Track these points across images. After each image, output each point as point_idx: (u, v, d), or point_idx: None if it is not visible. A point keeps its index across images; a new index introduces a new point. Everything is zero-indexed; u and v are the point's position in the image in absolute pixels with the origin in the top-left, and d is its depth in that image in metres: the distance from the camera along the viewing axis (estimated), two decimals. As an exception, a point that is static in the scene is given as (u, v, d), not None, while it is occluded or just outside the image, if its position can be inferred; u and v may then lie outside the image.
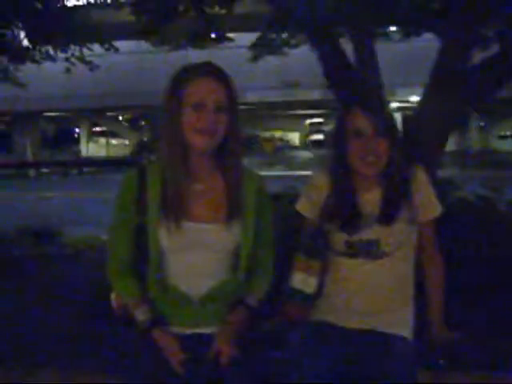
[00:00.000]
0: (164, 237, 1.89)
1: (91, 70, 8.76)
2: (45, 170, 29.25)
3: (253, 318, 2.01)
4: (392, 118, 2.13)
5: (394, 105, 26.60)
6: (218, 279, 1.95)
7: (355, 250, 2.13)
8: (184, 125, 1.85)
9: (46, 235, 7.31)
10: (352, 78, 4.36)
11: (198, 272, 1.94)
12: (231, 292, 1.98)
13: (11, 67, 9.00)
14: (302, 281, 2.05)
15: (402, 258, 2.16)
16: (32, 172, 28.82)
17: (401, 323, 2.17)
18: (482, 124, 35.96)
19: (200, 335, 1.95)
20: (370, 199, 2.14)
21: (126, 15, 7.60)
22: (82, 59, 8.48)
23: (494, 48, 5.47)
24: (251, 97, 26.97)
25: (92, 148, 39.46)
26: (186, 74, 1.87)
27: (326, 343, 2.12)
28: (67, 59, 8.37)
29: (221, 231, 1.92)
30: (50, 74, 15.49)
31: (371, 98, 2.30)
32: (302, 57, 8.03)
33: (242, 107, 31.04)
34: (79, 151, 38.89)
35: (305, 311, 2.12)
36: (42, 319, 4.12)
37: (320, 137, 41.16)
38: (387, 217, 2.10)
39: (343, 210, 2.13)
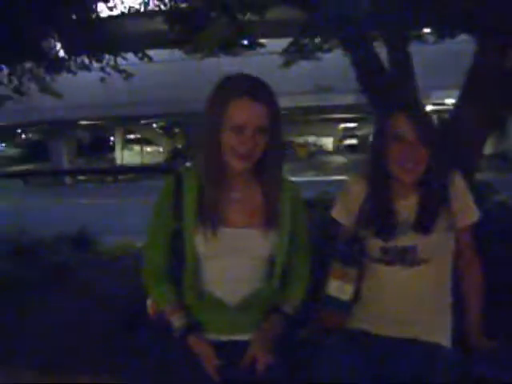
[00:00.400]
0: (200, 243, 1.89)
1: (125, 78, 8.82)
2: (81, 178, 29.71)
3: (289, 325, 2.00)
4: (432, 124, 2.10)
5: (428, 108, 26.31)
6: (253, 286, 1.95)
7: (391, 257, 2.10)
8: (223, 146, 1.85)
9: (83, 242, 7.41)
10: (386, 82, 4.31)
11: (233, 278, 1.94)
12: (266, 299, 1.98)
13: (48, 78, 9.11)
14: (338, 288, 2.04)
15: (440, 265, 2.13)
16: (68, 180, 29.30)
17: (439, 331, 2.14)
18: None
19: (235, 342, 1.95)
20: (407, 206, 2.11)
21: (159, 24, 7.67)
22: (116, 68, 8.54)
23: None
24: (284, 102, 26.78)
25: (127, 155, 39.88)
26: (227, 93, 1.85)
27: (361, 348, 2.09)
28: (102, 69, 8.45)
29: (257, 237, 1.92)
30: (85, 84, 15.71)
31: (414, 104, 2.27)
32: (335, 61, 7.98)
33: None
34: (114, 159, 39.35)
35: (341, 319, 2.10)
36: (79, 326, 4.16)
37: (354, 141, 40.96)
38: (424, 226, 2.07)
39: (379, 216, 2.11)
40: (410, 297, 2.12)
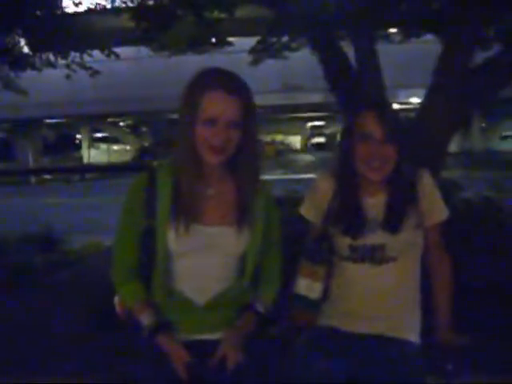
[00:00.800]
0: (172, 240, 1.87)
1: (91, 75, 8.71)
2: (46, 177, 29.25)
3: (260, 323, 2.00)
4: (399, 122, 2.11)
5: (394, 107, 26.55)
6: (223, 285, 1.94)
7: (359, 255, 2.11)
8: (197, 139, 1.83)
9: (48, 242, 7.30)
10: (353, 81, 4.34)
11: (204, 277, 1.92)
12: (236, 298, 1.97)
13: (12, 75, 8.94)
14: (307, 286, 2.04)
15: (408, 263, 2.14)
16: (34, 179, 28.82)
17: (408, 327, 2.16)
18: (483, 125, 35.88)
19: (205, 341, 1.93)
20: (375, 204, 2.12)
21: (126, 21, 7.58)
22: (82, 65, 8.44)
23: (496, 48, 5.45)
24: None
25: (93, 154, 39.45)
26: (201, 86, 1.83)
27: (332, 347, 2.10)
28: (68, 66, 8.33)
29: (230, 235, 1.91)
30: (50, 81, 15.49)
31: (381, 102, 2.28)
32: (303, 60, 8.02)
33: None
34: (81, 157, 38.88)
35: (311, 317, 2.11)
36: (45, 325, 4.10)
37: (321, 140, 41.18)
38: (392, 224, 2.08)
39: (347, 214, 2.12)
40: (378, 294, 2.12)
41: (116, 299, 2.07)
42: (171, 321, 1.94)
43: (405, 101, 22.81)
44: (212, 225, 1.91)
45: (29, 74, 8.80)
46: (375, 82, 4.34)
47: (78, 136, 41.45)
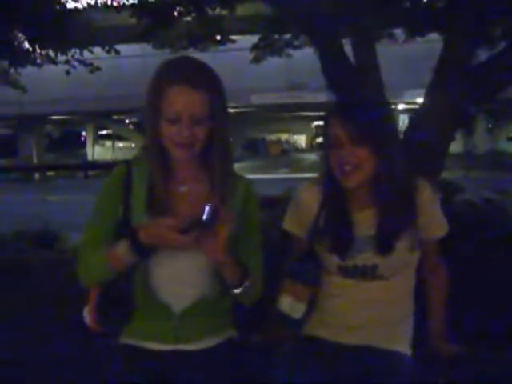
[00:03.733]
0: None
1: (92, 72, 8.64)
2: (50, 174, 29.25)
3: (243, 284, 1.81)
4: (379, 123, 1.90)
5: (401, 106, 26.43)
6: (200, 290, 1.84)
7: (349, 273, 1.97)
8: (163, 136, 1.74)
9: (46, 239, 7.23)
10: (351, 80, 4.25)
11: (179, 281, 1.81)
12: (214, 305, 1.87)
13: (12, 71, 8.91)
14: (290, 305, 1.91)
15: (403, 278, 2.01)
16: (37, 175, 28.82)
17: (398, 338, 2.03)
18: (490, 126, 35.67)
19: (179, 352, 1.84)
20: (364, 219, 1.94)
21: (127, 18, 7.54)
22: (81, 61, 8.40)
23: (501, 46, 5.35)
24: (257, 99, 26.89)
25: (98, 151, 39.46)
26: (163, 80, 1.72)
27: (317, 359, 1.99)
28: (67, 62, 8.29)
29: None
30: (55, 78, 15.44)
31: (348, 103, 2.12)
32: (308, 58, 7.95)
33: (248, 110, 31.09)
34: (85, 154, 38.89)
35: (291, 334, 2.01)
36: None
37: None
38: (384, 246, 1.90)
39: (334, 230, 1.95)
40: (367, 305, 1.98)
41: (86, 309, 1.87)
42: (145, 330, 1.84)
43: (412, 101, 22.67)
44: None
45: (32, 70, 8.79)
46: (375, 81, 4.24)
47: (83, 133, 41.53)
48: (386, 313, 2.00)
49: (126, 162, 1.88)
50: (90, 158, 37.90)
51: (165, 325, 1.83)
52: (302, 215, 2.04)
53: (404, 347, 2.03)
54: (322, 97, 23.77)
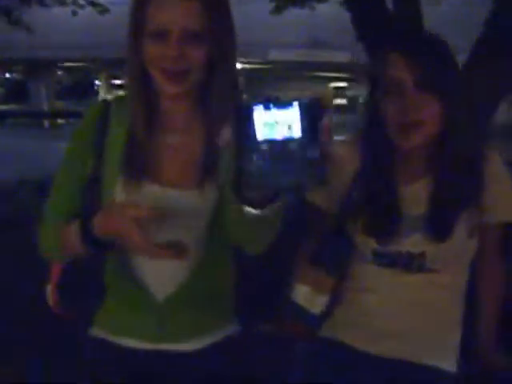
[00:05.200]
0: (120, 196, 1.38)
1: (101, 13, 8.22)
2: (60, 121, 28.99)
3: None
4: (449, 68, 1.47)
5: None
6: (188, 270, 1.41)
7: (388, 260, 1.54)
8: (146, 62, 1.33)
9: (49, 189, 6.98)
10: (389, 22, 3.76)
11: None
12: (207, 290, 1.44)
13: (18, 11, 8.69)
14: (307, 297, 1.51)
15: (454, 274, 1.58)
16: (47, 122, 28.60)
17: (441, 352, 1.61)
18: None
19: (163, 353, 1.46)
20: (415, 194, 1.52)
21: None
22: (90, 2, 7.99)
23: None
24: (274, 55, 26.23)
25: (110, 100, 39.35)
26: None
27: (337, 371, 1.59)
28: (74, 2, 7.95)
29: (191, 198, 1.38)
30: (68, 22, 15.03)
31: (416, 39, 1.62)
32: (329, 16, 7.48)
33: (263, 66, 30.46)
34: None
35: (309, 332, 1.58)
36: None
37: (343, 102, 40.65)
38: (439, 228, 1.48)
39: (374, 205, 1.52)
40: (410, 307, 1.58)
41: (48, 288, 1.53)
42: (122, 325, 1.46)
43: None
44: (170, 186, 1.39)
45: (45, 14, 8.72)
46: (416, 22, 3.74)
47: (96, 82, 41.18)
48: (427, 318, 1.58)
49: (105, 101, 1.50)
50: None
51: (145, 317, 1.44)
52: (332, 181, 1.53)
53: (449, 363, 1.62)
54: (341, 57, 23.16)
